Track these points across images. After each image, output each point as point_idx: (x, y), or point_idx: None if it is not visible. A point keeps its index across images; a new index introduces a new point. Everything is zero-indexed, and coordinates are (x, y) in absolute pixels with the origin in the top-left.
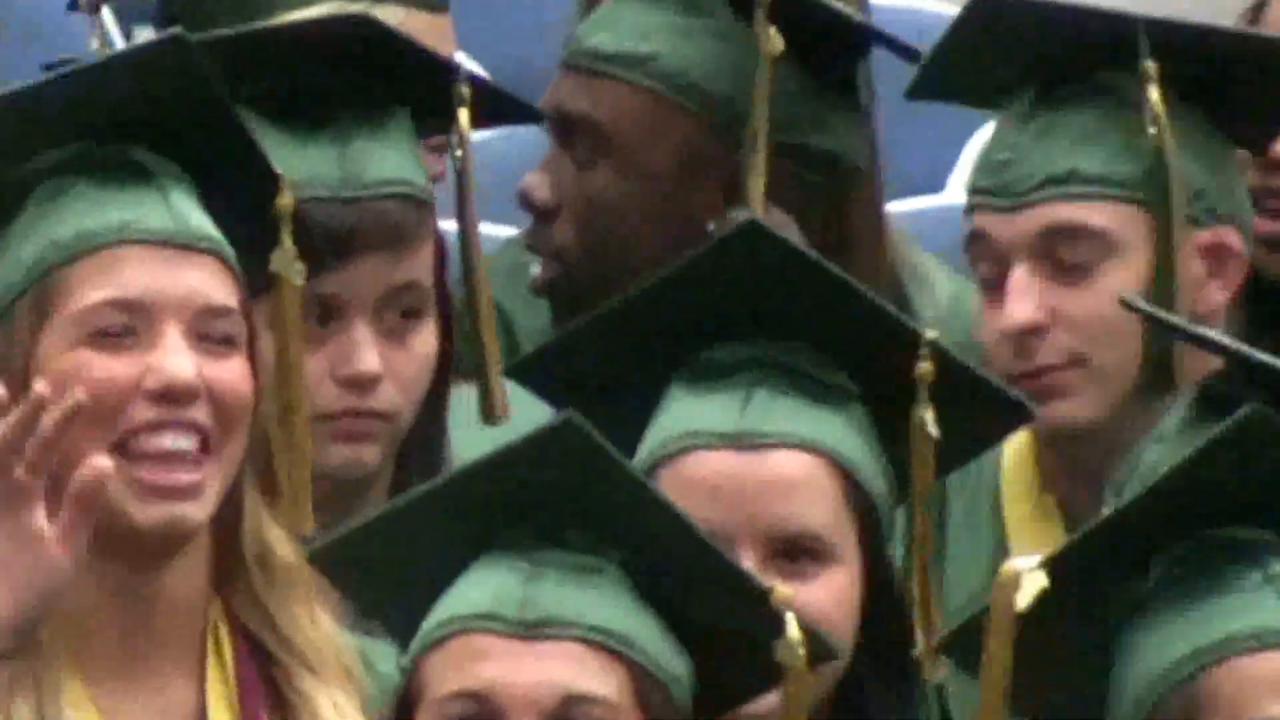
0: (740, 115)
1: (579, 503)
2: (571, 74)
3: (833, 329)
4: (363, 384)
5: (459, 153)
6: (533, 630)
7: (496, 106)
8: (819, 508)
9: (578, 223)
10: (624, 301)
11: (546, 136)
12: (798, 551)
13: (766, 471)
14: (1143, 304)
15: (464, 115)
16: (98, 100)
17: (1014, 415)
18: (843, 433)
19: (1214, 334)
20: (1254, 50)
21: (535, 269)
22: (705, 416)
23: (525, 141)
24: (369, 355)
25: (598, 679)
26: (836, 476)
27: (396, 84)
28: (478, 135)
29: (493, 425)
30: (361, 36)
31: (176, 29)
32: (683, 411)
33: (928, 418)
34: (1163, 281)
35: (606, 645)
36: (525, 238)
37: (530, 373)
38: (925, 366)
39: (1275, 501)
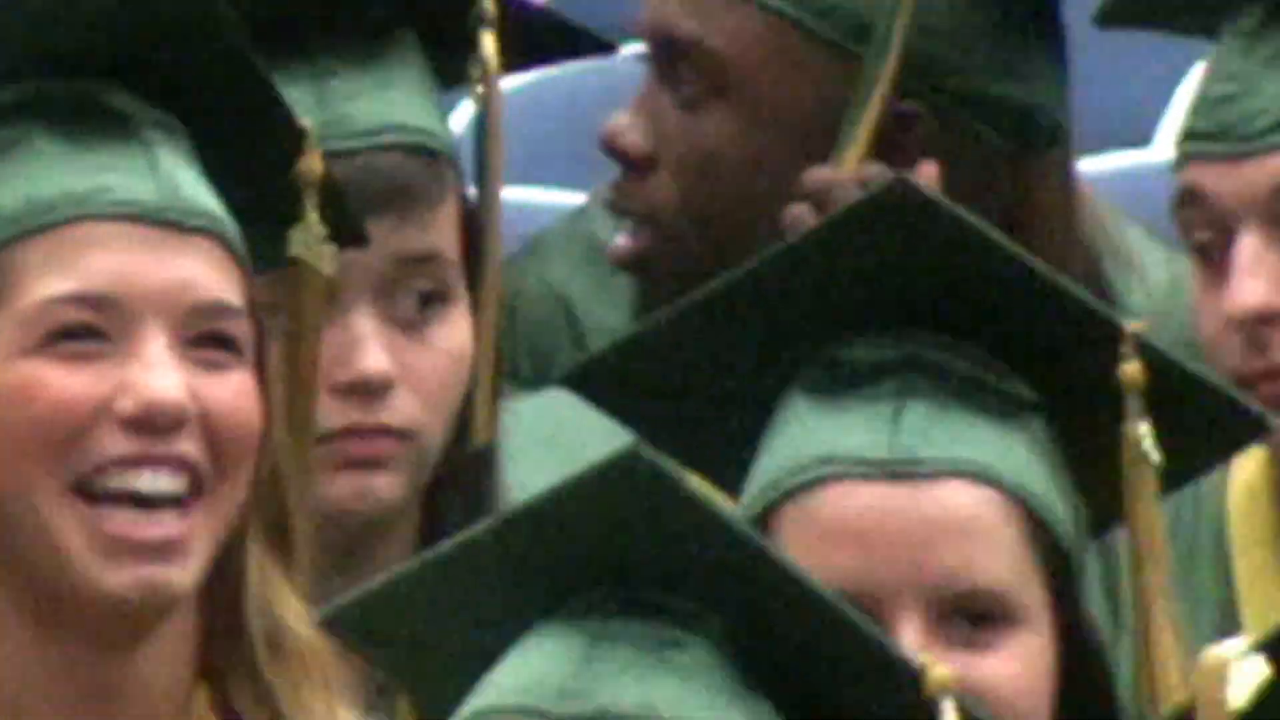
0: (898, 53)
1: (651, 557)
2: None
3: (1009, 321)
4: (369, 391)
5: (480, 90)
6: None
7: (542, 35)
8: (999, 556)
9: (682, 178)
10: (727, 284)
11: (612, 77)
12: (974, 614)
13: (930, 509)
14: None
15: (489, 43)
16: (63, 21)
17: (1247, 429)
18: (1026, 458)
19: None
20: None
21: (620, 238)
22: (843, 438)
23: (580, 86)
24: (374, 353)
25: None
26: (1018, 515)
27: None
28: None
29: (481, 449)
30: None
31: None
32: (811, 431)
33: (1143, 433)
34: None
35: None
36: (609, 196)
37: (595, 382)
38: (1132, 368)
39: None
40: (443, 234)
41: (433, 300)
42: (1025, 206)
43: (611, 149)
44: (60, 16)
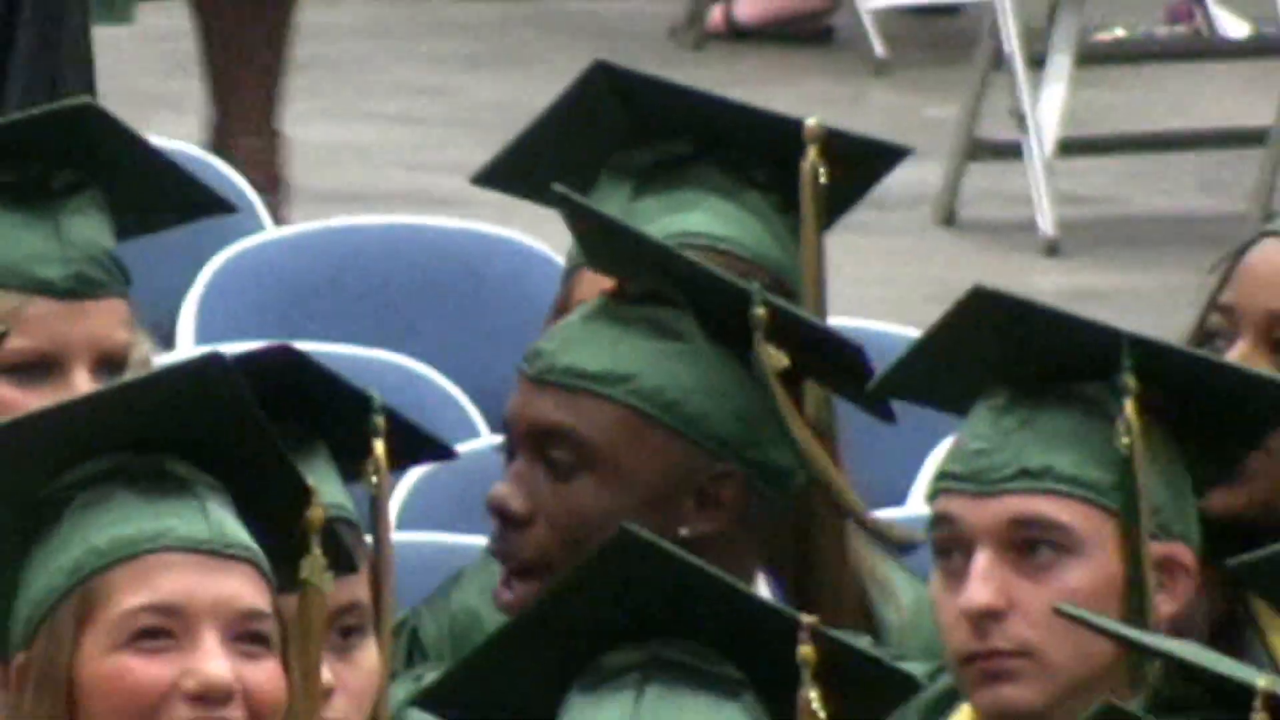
0: (717, 431)
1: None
2: (549, 389)
3: (715, 624)
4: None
5: (374, 479)
6: None
7: (413, 443)
8: None
9: (556, 533)
10: (520, 620)
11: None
12: None
13: None
14: (1077, 612)
15: (379, 446)
16: (134, 414)
17: (901, 689)
18: None
19: (1154, 639)
20: (1231, 381)
21: (500, 589)
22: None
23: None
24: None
25: None
26: None
27: (316, 416)
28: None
29: None
30: (281, 368)
31: (214, 351)
32: (579, 716)
33: (813, 698)
34: (1136, 587)
35: None
36: (494, 547)
37: (438, 703)
38: (806, 650)
39: None
40: (362, 584)
41: (352, 633)
42: (808, 548)
43: (497, 510)
44: (133, 414)
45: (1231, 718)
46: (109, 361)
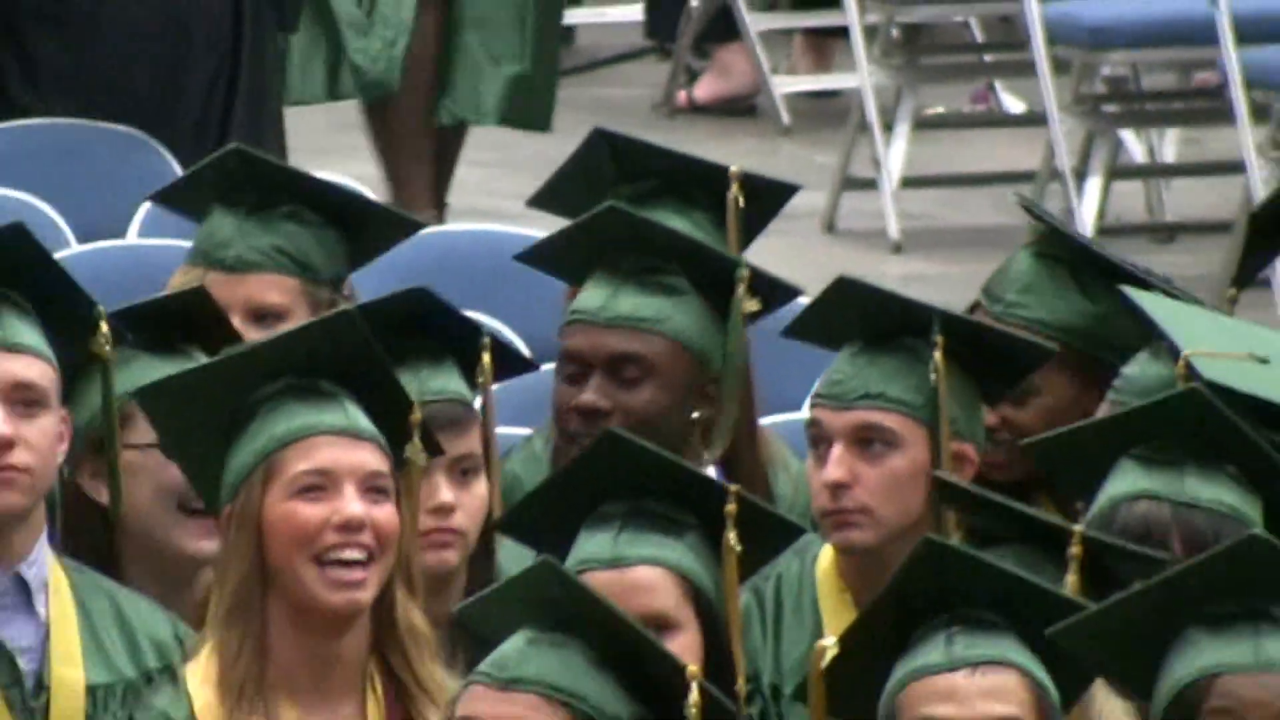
0: (710, 355)
1: (547, 608)
2: (617, 329)
3: (674, 487)
4: (444, 513)
5: (481, 380)
6: None
7: (509, 360)
8: (667, 598)
9: (627, 421)
10: (553, 479)
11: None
12: (655, 629)
13: (629, 585)
14: (950, 477)
15: (486, 359)
16: (297, 351)
17: (789, 534)
18: (683, 554)
19: (988, 495)
20: (1000, 339)
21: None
22: (592, 546)
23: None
24: (445, 493)
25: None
26: (678, 582)
27: (448, 339)
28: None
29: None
30: (426, 309)
31: (348, 309)
32: (583, 543)
33: (732, 538)
34: (936, 465)
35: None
36: (581, 432)
37: (508, 526)
38: (730, 507)
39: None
40: (474, 441)
41: (468, 473)
42: (740, 438)
43: (589, 409)
44: (296, 348)
45: (1040, 549)
46: (261, 315)
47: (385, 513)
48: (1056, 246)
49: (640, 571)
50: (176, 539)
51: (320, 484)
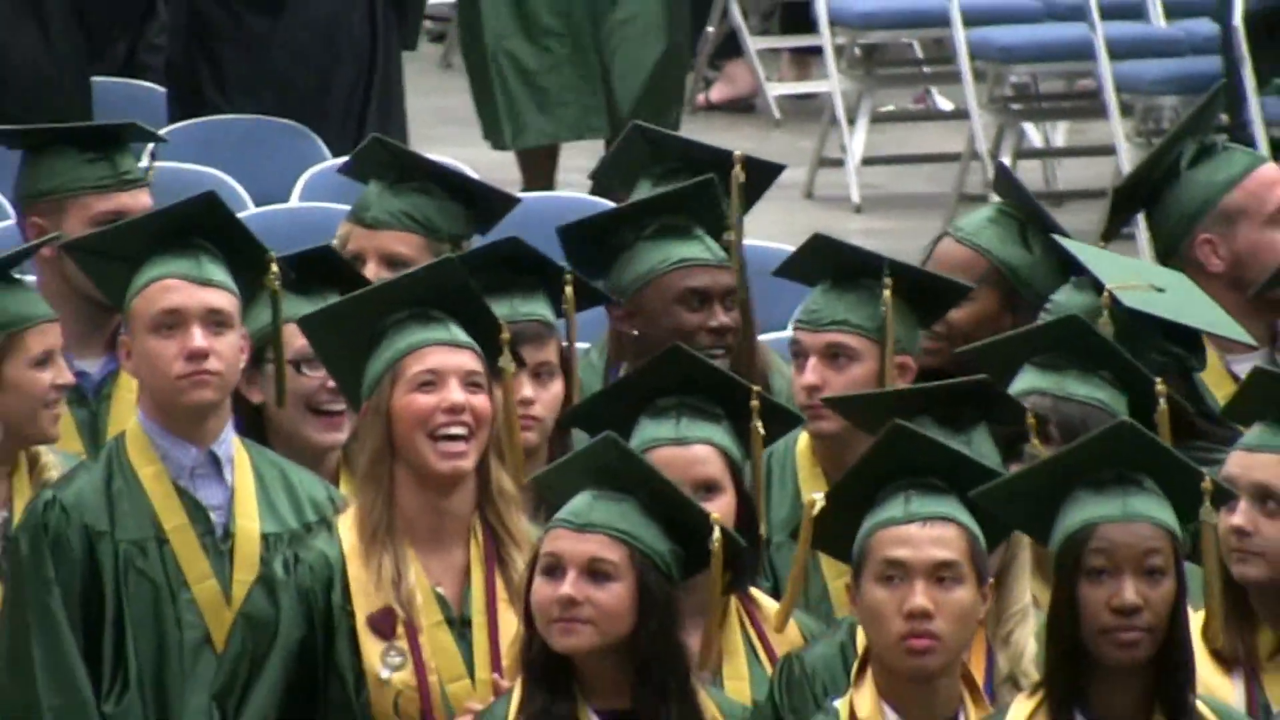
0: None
1: (608, 473)
2: (703, 268)
3: (714, 388)
4: (526, 404)
5: (565, 308)
6: None
7: (587, 293)
8: (715, 469)
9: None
10: (621, 380)
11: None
12: (706, 490)
13: (691, 456)
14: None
15: (569, 290)
16: (414, 288)
17: (791, 420)
18: (724, 435)
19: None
20: (932, 280)
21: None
22: (652, 430)
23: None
24: (528, 391)
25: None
26: (722, 456)
27: (541, 275)
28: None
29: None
30: (515, 252)
31: (450, 256)
32: (642, 429)
33: (759, 426)
34: (884, 378)
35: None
36: (713, 343)
37: (577, 417)
38: (755, 403)
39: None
40: (553, 351)
41: (555, 374)
42: (745, 350)
43: (717, 329)
44: (413, 286)
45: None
46: (392, 262)
47: (480, 401)
48: (1014, 207)
49: (697, 449)
50: (306, 431)
51: (431, 380)
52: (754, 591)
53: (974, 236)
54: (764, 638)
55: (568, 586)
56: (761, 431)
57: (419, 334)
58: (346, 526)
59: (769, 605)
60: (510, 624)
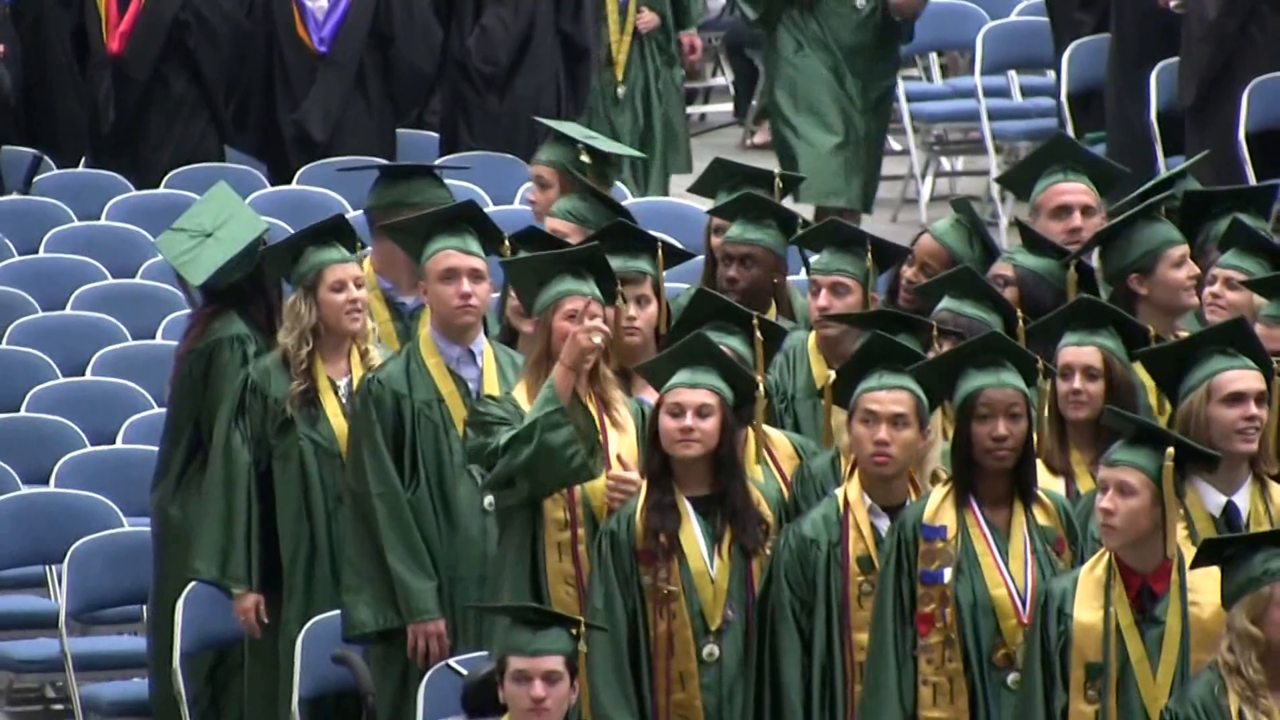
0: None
1: (699, 355)
2: (731, 243)
3: (732, 316)
4: (630, 319)
5: (658, 265)
6: None
7: (674, 253)
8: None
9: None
10: (682, 316)
11: None
12: None
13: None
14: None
15: (660, 252)
16: (570, 258)
17: (776, 333)
18: (741, 342)
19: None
20: (891, 248)
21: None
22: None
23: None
24: (632, 311)
25: None
26: (734, 353)
27: (643, 242)
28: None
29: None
30: (626, 231)
31: (594, 244)
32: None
33: (759, 336)
34: (866, 305)
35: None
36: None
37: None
38: (755, 323)
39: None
40: (648, 287)
41: (644, 300)
42: (777, 283)
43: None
44: (571, 256)
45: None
46: (563, 244)
47: (599, 322)
48: (967, 219)
49: (725, 347)
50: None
51: (575, 311)
52: (767, 428)
53: (943, 236)
54: (774, 457)
55: (688, 420)
56: (760, 338)
57: (568, 284)
58: (519, 391)
59: (778, 436)
60: (614, 446)
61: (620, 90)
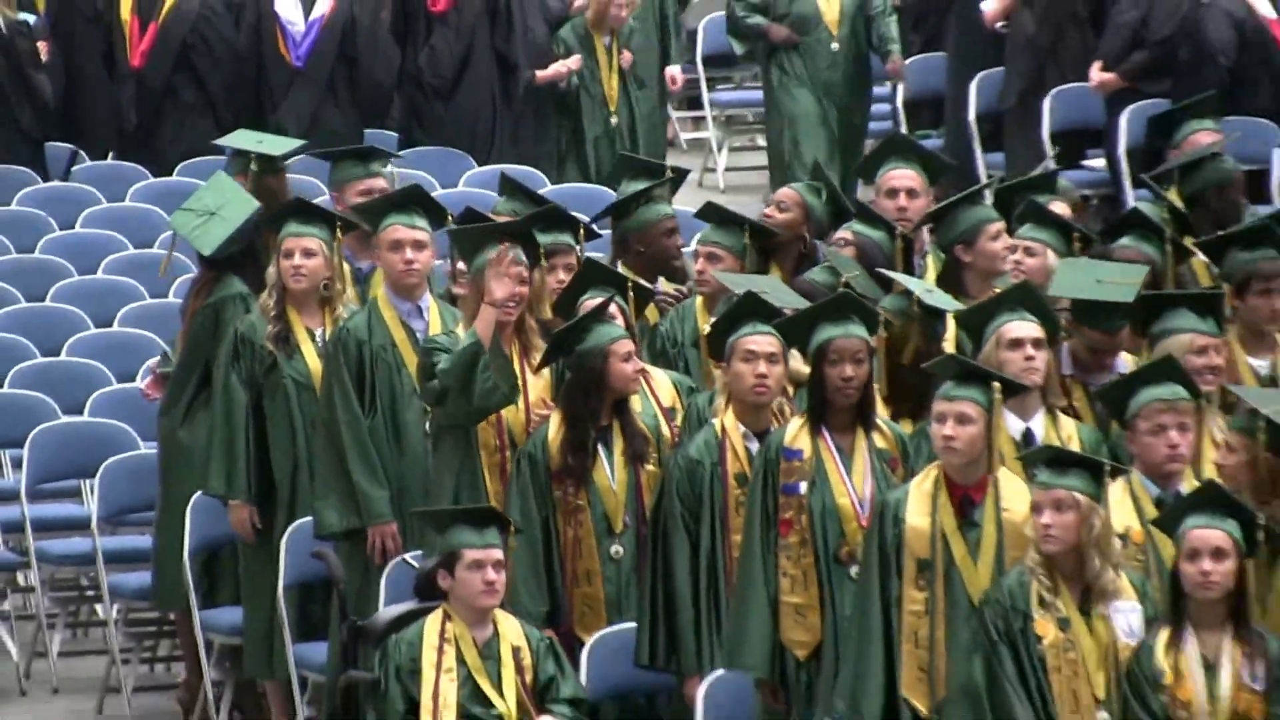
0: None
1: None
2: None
3: (611, 282)
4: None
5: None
6: None
7: (591, 234)
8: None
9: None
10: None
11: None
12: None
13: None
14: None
15: (583, 232)
16: (506, 230)
17: (646, 294)
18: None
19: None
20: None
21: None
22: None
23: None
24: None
25: None
26: (617, 306)
27: (567, 222)
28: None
29: None
30: (559, 214)
31: (524, 219)
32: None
33: (631, 295)
34: (744, 269)
35: None
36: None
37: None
38: (630, 287)
39: None
40: (572, 258)
41: (561, 269)
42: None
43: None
44: (510, 227)
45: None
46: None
47: (524, 285)
48: (823, 183)
49: (612, 306)
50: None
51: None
52: (651, 368)
53: (802, 190)
54: (654, 391)
55: (632, 366)
56: (632, 295)
57: (495, 250)
58: (460, 332)
59: (659, 375)
60: (532, 389)
61: (613, 121)
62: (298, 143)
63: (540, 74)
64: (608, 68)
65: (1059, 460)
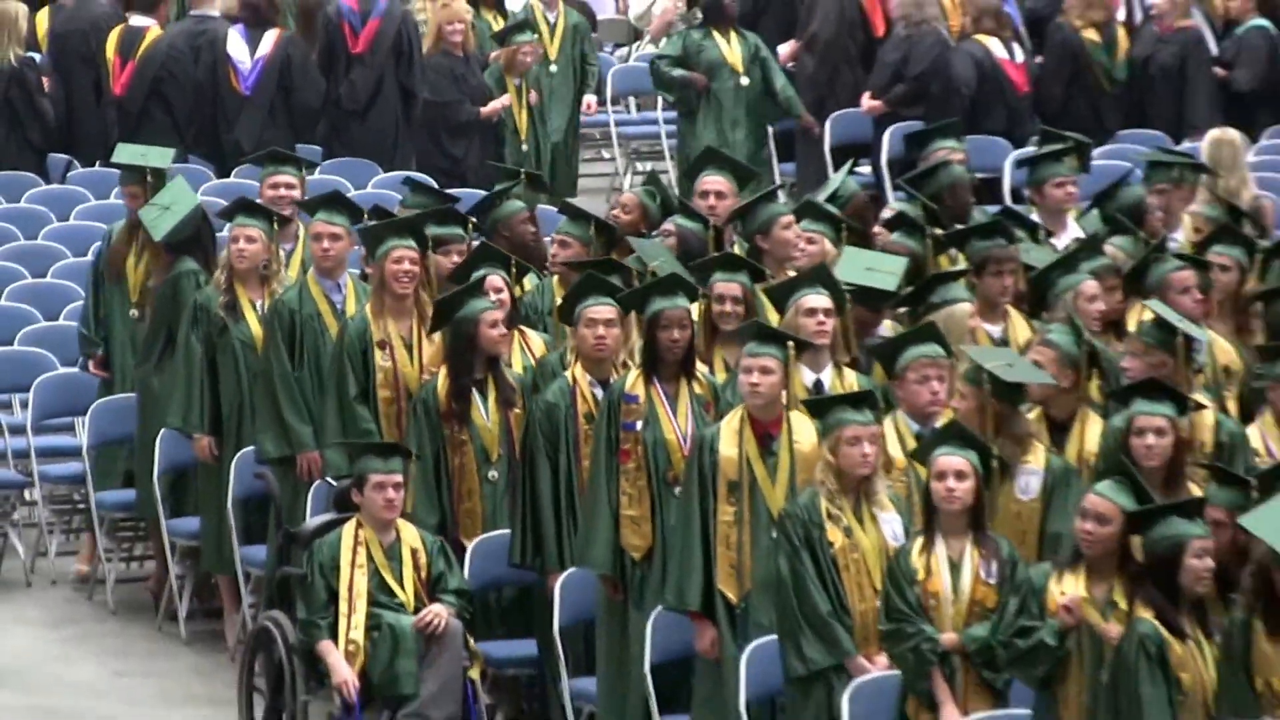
0: None
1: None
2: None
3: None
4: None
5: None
6: None
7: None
8: (500, 283)
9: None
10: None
11: None
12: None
13: (493, 283)
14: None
15: (470, 226)
16: (412, 222)
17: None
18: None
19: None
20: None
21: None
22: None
23: None
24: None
25: None
26: (503, 280)
27: (459, 219)
28: None
29: None
30: (451, 212)
31: (421, 214)
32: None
33: (515, 271)
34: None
35: None
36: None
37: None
38: (512, 263)
39: None
40: (462, 249)
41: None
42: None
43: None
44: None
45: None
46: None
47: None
48: (655, 189)
49: (498, 277)
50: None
51: (399, 258)
52: (529, 330)
53: (639, 193)
54: (529, 347)
55: (498, 332)
56: (514, 270)
57: (395, 241)
58: (368, 309)
59: (534, 335)
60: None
61: (524, 148)
62: (171, 152)
63: (483, 110)
64: (518, 104)
65: (856, 400)
